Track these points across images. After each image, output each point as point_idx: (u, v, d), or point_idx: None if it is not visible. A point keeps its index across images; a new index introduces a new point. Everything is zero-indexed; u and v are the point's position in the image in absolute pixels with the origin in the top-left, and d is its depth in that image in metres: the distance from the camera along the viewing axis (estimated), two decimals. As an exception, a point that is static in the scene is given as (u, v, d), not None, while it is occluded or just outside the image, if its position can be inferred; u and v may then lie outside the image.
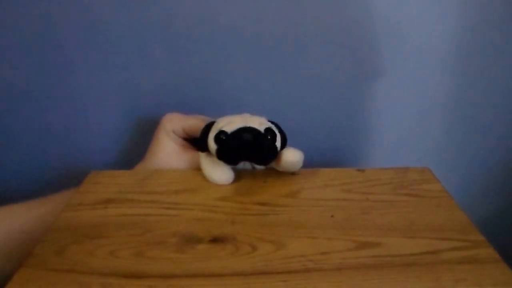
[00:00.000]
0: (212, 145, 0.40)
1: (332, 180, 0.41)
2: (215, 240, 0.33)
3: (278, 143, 0.41)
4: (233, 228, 0.34)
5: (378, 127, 0.58)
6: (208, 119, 0.43)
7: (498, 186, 0.64)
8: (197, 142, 0.44)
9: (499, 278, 0.30)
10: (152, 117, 0.56)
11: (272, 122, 0.42)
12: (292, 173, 0.42)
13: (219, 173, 0.41)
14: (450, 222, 0.35)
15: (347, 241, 0.33)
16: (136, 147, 0.57)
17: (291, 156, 0.41)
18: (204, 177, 0.42)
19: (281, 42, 0.52)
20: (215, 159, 0.40)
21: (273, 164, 0.42)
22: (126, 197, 0.39)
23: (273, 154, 0.40)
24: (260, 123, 0.40)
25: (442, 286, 0.29)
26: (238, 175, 0.42)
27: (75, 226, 0.35)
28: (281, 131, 0.42)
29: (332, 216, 0.36)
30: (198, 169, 0.43)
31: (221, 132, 0.39)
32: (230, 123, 0.40)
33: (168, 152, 0.45)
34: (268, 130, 0.40)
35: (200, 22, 0.51)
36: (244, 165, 0.43)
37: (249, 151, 0.39)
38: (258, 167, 0.43)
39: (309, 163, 0.42)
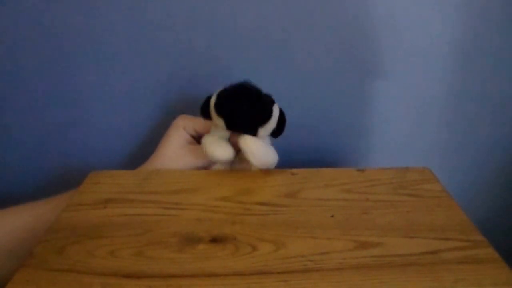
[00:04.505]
0: (213, 101, 0.41)
1: (332, 180, 0.41)
2: (215, 240, 0.33)
3: (275, 111, 0.42)
4: (233, 228, 0.34)
5: (378, 127, 0.58)
6: None
7: (498, 186, 0.63)
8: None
9: (499, 278, 0.30)
10: (152, 117, 0.56)
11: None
12: (292, 174, 0.42)
13: (221, 150, 0.42)
14: (450, 222, 0.35)
15: (347, 241, 0.33)
16: (136, 147, 0.58)
17: (247, 144, 0.41)
18: (204, 177, 0.42)
19: (281, 42, 0.52)
20: (217, 138, 0.42)
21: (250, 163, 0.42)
22: (126, 197, 0.39)
23: (268, 112, 0.41)
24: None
25: (442, 286, 0.29)
26: (238, 175, 0.42)
27: (75, 226, 0.35)
28: (281, 111, 0.43)
29: (332, 216, 0.36)
30: (201, 166, 0.43)
31: (223, 90, 0.41)
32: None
33: (175, 145, 0.46)
34: (267, 95, 0.42)
35: (200, 22, 0.51)
36: (241, 163, 0.43)
37: (246, 100, 0.40)
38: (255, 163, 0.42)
39: (309, 163, 0.42)
